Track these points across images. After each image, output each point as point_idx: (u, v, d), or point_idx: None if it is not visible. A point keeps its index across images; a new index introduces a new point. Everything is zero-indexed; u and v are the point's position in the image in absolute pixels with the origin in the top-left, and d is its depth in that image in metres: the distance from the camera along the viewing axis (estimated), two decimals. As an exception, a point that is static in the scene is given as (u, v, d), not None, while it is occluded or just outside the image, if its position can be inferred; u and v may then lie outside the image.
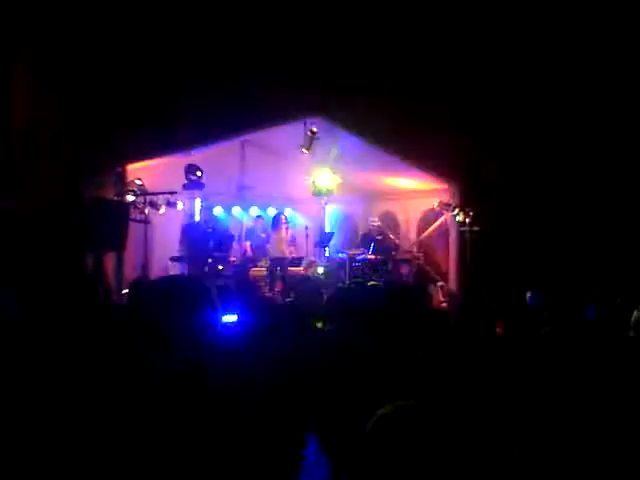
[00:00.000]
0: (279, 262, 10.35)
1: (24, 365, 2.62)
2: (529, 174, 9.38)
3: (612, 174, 8.95)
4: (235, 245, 10.96)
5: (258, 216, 11.69)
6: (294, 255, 11.12)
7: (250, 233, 11.32)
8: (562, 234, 9.01)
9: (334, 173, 10.73)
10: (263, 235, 11.16)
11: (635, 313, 3.71)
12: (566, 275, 7.55)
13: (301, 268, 10.88)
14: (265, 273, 10.38)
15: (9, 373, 2.55)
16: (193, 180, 9.68)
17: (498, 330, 3.85)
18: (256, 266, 10.57)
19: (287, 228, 10.86)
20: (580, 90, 8.95)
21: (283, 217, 10.93)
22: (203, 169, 9.76)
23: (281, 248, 10.60)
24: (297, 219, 12.65)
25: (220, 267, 9.87)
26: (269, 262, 10.41)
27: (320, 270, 10.96)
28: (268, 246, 10.77)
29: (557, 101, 9.09)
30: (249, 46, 8.32)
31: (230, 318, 4.43)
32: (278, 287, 10.31)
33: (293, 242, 11.73)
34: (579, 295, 4.23)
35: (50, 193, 7.46)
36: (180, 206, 9.47)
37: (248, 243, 10.96)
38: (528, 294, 4.34)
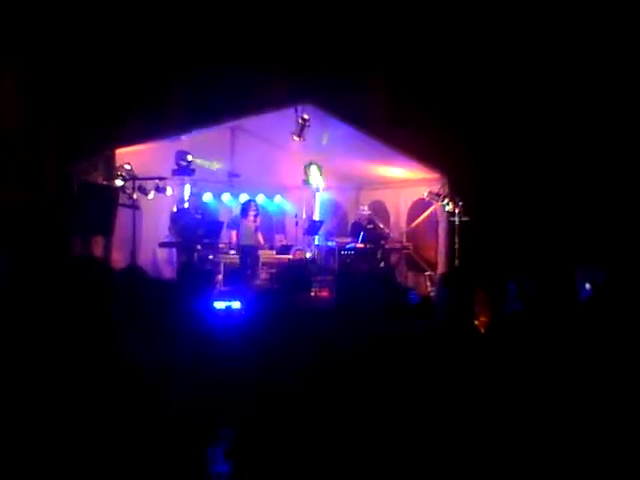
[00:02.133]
0: (249, 250, 10.26)
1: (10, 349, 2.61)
2: (517, 165, 9.40)
3: (596, 162, 9.01)
4: (224, 232, 10.92)
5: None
6: (284, 243, 11.09)
7: (236, 221, 11.22)
8: (550, 223, 9.06)
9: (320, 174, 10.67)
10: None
11: None
12: (555, 262, 7.60)
13: (289, 256, 10.87)
14: (237, 261, 10.30)
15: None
16: (183, 166, 9.64)
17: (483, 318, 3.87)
18: (227, 254, 10.45)
19: (256, 215, 10.60)
20: (562, 82, 8.99)
21: (253, 204, 10.80)
22: (193, 155, 9.71)
23: (251, 236, 10.48)
24: (287, 206, 12.62)
25: (211, 257, 9.86)
26: (240, 250, 10.32)
27: (308, 257, 10.95)
28: (233, 233, 10.59)
29: (543, 91, 9.12)
30: (240, 31, 8.26)
31: (221, 305, 4.43)
32: (265, 275, 10.31)
33: (282, 230, 11.71)
34: (570, 279, 4.25)
35: (38, 177, 7.41)
36: (169, 192, 9.42)
37: (234, 232, 10.82)
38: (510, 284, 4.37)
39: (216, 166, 10.78)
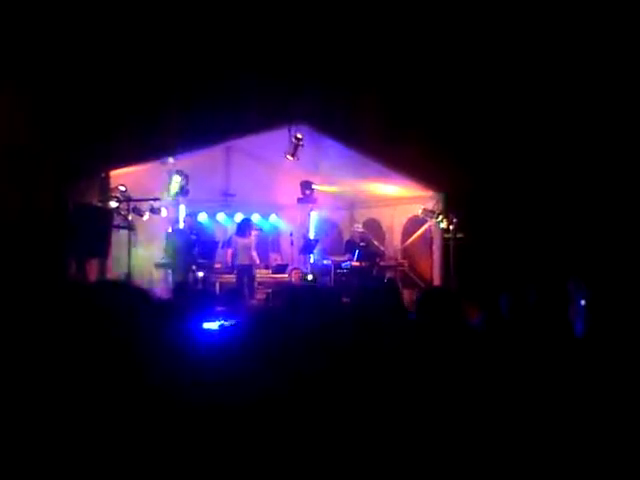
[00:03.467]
0: (246, 269, 10.28)
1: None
2: (511, 182, 9.45)
3: (593, 177, 9.06)
4: (220, 251, 10.92)
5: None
6: (279, 262, 11.09)
7: (230, 240, 11.22)
8: (545, 239, 9.09)
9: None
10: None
11: None
12: (549, 277, 7.62)
13: (285, 275, 10.87)
14: (233, 281, 10.32)
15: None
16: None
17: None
18: (223, 274, 10.45)
19: (249, 234, 10.61)
20: (555, 99, 9.07)
21: (250, 223, 10.84)
22: (188, 175, 9.75)
23: (247, 255, 10.50)
24: (282, 225, 12.65)
25: (200, 274, 9.84)
26: (236, 270, 10.32)
27: (306, 277, 10.94)
28: (228, 252, 10.62)
29: (536, 108, 9.18)
30: (234, 53, 8.33)
31: (212, 325, 4.41)
32: (260, 295, 10.29)
33: (277, 249, 11.71)
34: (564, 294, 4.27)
35: (33, 198, 7.41)
36: (164, 213, 9.44)
37: (230, 251, 10.82)
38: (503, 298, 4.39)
39: None
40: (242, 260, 10.33)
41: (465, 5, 8.82)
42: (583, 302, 4.83)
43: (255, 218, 11.85)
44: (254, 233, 10.59)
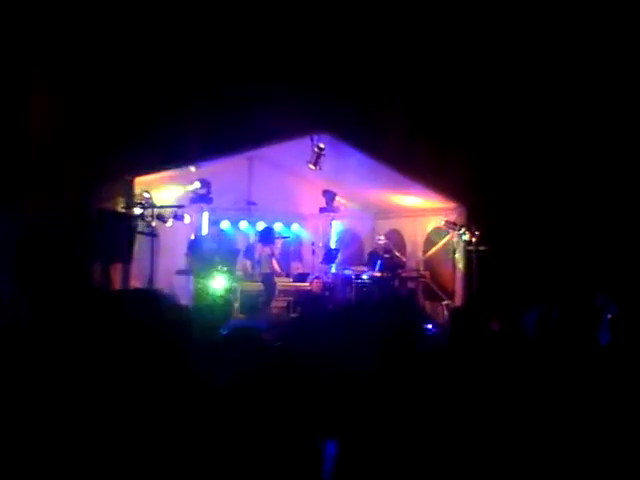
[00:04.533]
0: (268, 278, 10.30)
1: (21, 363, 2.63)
2: (534, 194, 9.37)
3: (616, 191, 8.95)
4: (241, 259, 10.96)
5: (258, 231, 11.68)
6: (300, 271, 11.09)
7: (251, 248, 11.28)
8: (568, 251, 8.99)
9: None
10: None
11: None
12: (574, 291, 7.52)
13: (306, 284, 10.87)
14: (254, 288, 10.33)
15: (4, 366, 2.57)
16: (200, 194, 9.74)
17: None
18: (244, 281, 10.49)
19: (272, 242, 10.69)
20: (583, 109, 9.00)
21: (273, 232, 10.87)
22: (211, 183, 9.81)
23: (270, 263, 10.53)
24: (304, 234, 12.65)
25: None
26: (260, 278, 10.35)
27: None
28: (247, 262, 10.62)
29: (563, 118, 9.12)
30: (258, 62, 8.39)
31: None
32: (281, 303, 10.29)
33: (298, 258, 11.71)
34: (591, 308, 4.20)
35: (58, 204, 7.51)
36: (187, 219, 9.51)
37: (248, 262, 10.86)
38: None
39: None
40: (265, 268, 10.37)
41: (491, 17, 8.81)
42: (610, 316, 4.77)
43: (277, 227, 11.89)
44: (278, 241, 10.65)
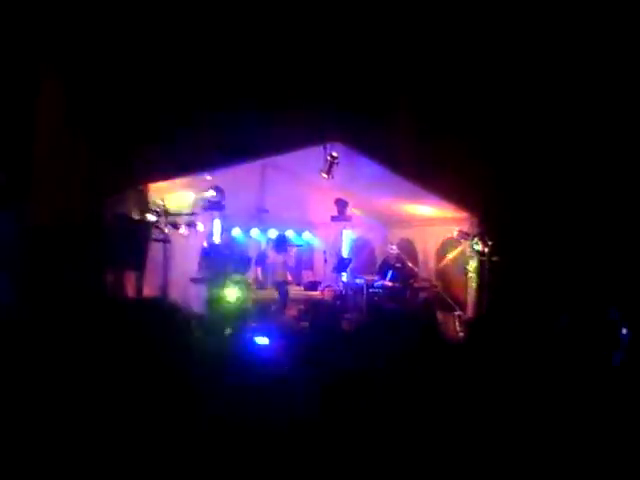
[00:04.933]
0: (280, 285, 10.27)
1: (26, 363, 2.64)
2: (548, 205, 9.33)
3: (630, 198, 8.90)
4: (252, 267, 10.97)
5: (269, 239, 11.70)
6: (311, 279, 11.08)
7: (262, 256, 11.30)
8: (581, 261, 8.93)
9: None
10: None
11: None
12: (587, 301, 7.47)
13: (317, 292, 10.86)
14: (265, 296, 10.32)
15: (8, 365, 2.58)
16: (213, 201, 9.76)
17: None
18: (262, 289, 10.48)
19: (285, 250, 10.75)
20: (597, 116, 8.96)
21: (287, 239, 10.89)
22: (223, 190, 9.83)
23: (283, 270, 10.53)
24: (315, 243, 12.65)
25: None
26: (274, 286, 10.34)
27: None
28: (259, 270, 10.65)
29: (578, 126, 9.08)
30: (269, 70, 8.42)
31: (262, 340, 4.42)
32: (293, 312, 10.28)
33: (309, 266, 11.71)
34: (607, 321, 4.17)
35: (72, 210, 7.54)
36: (201, 227, 9.53)
37: (259, 270, 10.90)
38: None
39: None
40: (279, 276, 10.39)
41: (502, 22, 8.79)
42: (625, 331, 4.73)
43: (289, 235, 11.91)
44: (292, 249, 10.67)
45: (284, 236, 11.02)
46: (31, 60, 7.23)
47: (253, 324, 9.41)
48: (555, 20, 8.70)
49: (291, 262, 10.80)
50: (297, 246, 11.34)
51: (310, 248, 12.71)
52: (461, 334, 9.19)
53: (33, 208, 7.15)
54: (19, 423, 2.39)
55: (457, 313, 10.33)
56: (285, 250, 10.63)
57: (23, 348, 3.07)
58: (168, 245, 8.45)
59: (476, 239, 9.52)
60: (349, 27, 8.53)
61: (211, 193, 9.73)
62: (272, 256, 10.61)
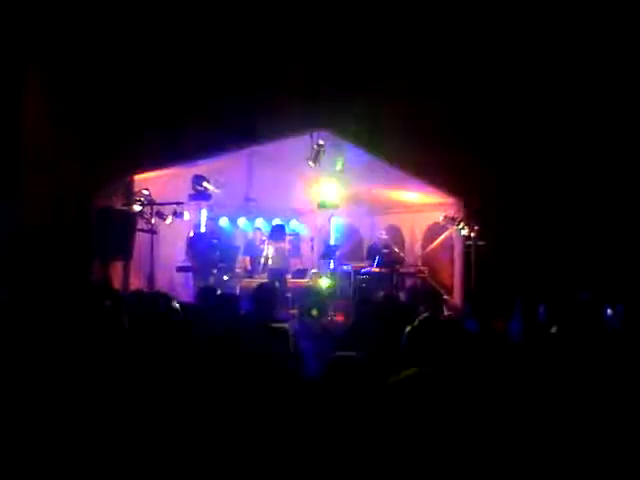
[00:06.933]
0: (279, 273, 10.32)
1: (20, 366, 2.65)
2: (534, 189, 9.40)
3: (616, 185, 8.98)
4: (240, 256, 10.98)
5: (257, 228, 11.70)
6: (299, 267, 11.10)
7: (250, 245, 11.30)
8: (567, 247, 9.02)
9: (342, 187, 10.69)
10: (262, 247, 11.07)
11: None
12: (572, 286, 7.55)
13: (305, 280, 10.88)
14: (253, 285, 10.29)
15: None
16: (199, 190, 9.72)
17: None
18: (252, 277, 10.47)
19: (283, 239, 10.77)
20: (583, 104, 9.01)
21: (284, 228, 10.92)
22: (210, 180, 9.80)
23: (282, 260, 10.56)
24: (302, 231, 12.67)
25: (225, 277, 9.88)
26: (267, 274, 10.33)
27: (324, 282, 10.93)
28: (247, 259, 10.67)
29: (564, 113, 9.13)
30: (256, 59, 8.39)
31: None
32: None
33: (297, 254, 11.73)
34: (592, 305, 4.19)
35: (58, 202, 7.52)
36: (187, 216, 9.50)
37: (248, 259, 10.89)
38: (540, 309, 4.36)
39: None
40: (275, 264, 10.41)
41: (490, 16, 8.80)
42: (609, 311, 4.79)
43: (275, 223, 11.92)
44: (288, 238, 10.72)
45: (282, 225, 11.07)
46: (16, 58, 7.17)
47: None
48: (549, 18, 8.73)
49: (288, 251, 10.83)
50: (292, 235, 11.36)
51: (297, 236, 12.73)
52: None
53: (21, 207, 7.12)
54: (16, 420, 2.40)
55: (444, 297, 10.40)
56: (283, 239, 10.69)
57: (15, 344, 3.08)
58: (154, 234, 8.44)
59: (462, 224, 9.56)
60: (335, 14, 8.50)
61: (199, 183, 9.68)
62: (268, 244, 10.65)
